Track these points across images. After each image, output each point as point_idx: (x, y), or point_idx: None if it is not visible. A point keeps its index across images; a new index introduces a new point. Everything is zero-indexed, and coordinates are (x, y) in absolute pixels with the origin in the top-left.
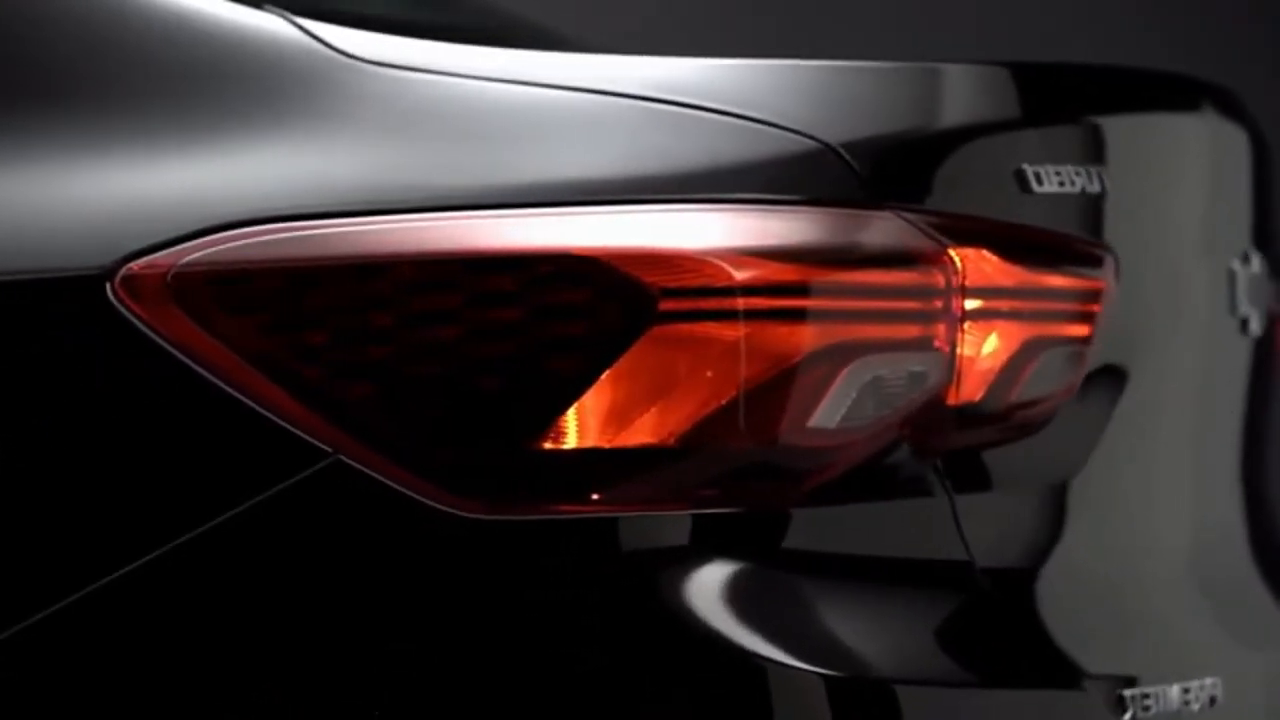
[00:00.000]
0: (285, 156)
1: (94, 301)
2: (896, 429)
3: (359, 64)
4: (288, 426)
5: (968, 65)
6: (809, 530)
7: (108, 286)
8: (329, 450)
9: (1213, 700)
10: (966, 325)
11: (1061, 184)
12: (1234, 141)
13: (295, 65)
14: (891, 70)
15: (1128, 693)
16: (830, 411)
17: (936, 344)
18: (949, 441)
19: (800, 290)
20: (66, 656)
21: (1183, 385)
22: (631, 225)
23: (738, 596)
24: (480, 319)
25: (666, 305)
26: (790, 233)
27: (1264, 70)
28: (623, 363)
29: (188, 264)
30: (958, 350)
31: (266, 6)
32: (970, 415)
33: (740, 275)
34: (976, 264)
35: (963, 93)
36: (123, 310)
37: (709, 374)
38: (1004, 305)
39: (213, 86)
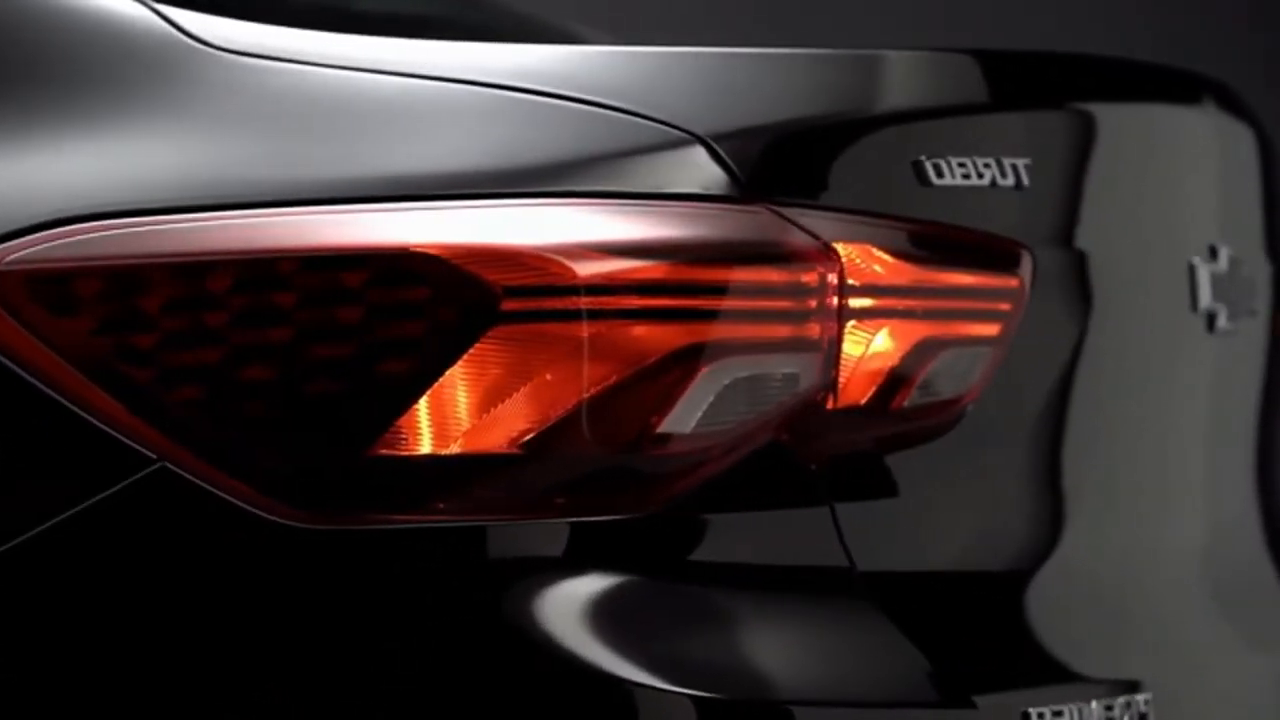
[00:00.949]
0: (129, 149)
1: None
2: (768, 433)
3: (215, 52)
4: (111, 432)
5: (859, 53)
6: (675, 539)
7: None
8: (153, 457)
9: (1142, 717)
10: (851, 325)
11: (967, 176)
12: (1191, 131)
13: (146, 52)
14: (771, 59)
15: (1034, 710)
16: (684, 415)
17: (812, 344)
18: (831, 446)
19: (650, 289)
20: None
21: (1120, 383)
22: (476, 221)
23: (598, 613)
24: (314, 319)
25: (510, 305)
26: (644, 229)
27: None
28: (463, 365)
29: (11, 263)
30: (839, 351)
31: None
32: (856, 418)
33: (585, 273)
34: (864, 261)
35: (852, 82)
36: None
37: (554, 377)
38: (895, 304)
39: (55, 74)
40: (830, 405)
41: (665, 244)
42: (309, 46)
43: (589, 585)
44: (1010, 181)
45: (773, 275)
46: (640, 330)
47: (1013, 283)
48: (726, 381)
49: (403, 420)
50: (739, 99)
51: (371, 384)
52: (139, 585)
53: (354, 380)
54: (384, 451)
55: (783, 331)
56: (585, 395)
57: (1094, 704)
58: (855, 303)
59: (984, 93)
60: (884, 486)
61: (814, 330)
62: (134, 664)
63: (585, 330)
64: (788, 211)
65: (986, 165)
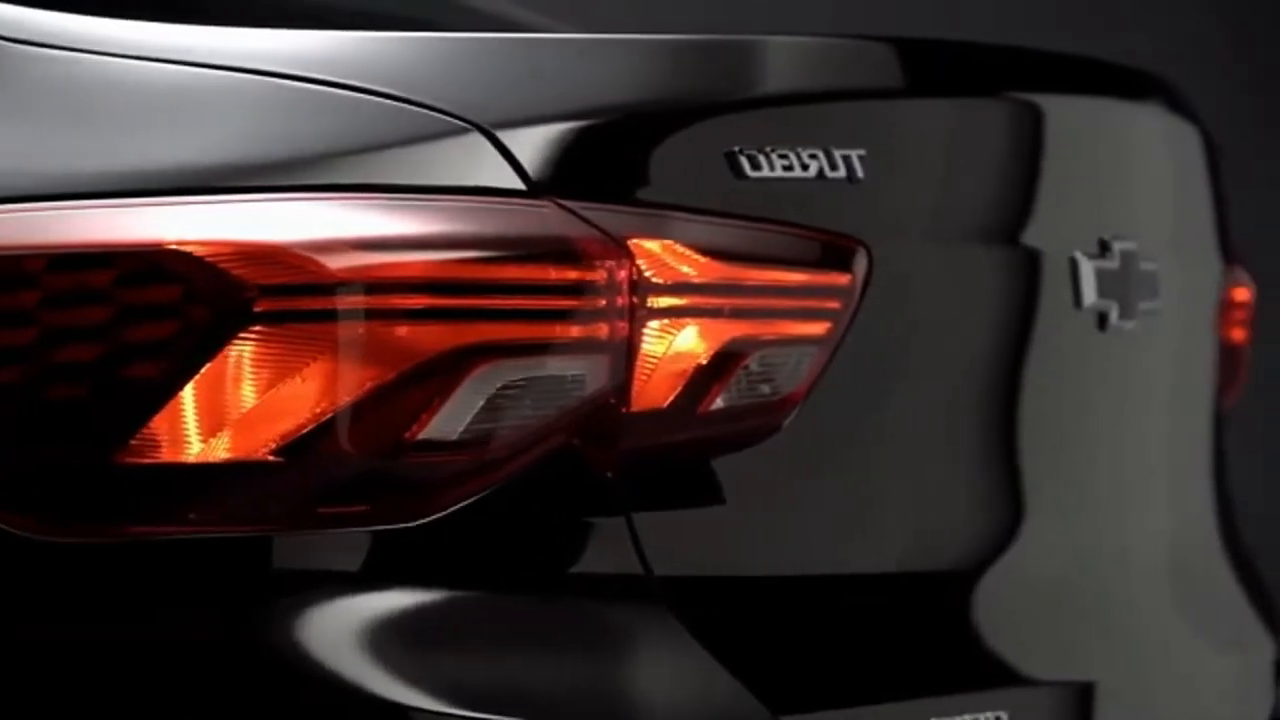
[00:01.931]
0: None
1: None
2: (559, 438)
3: None
4: None
5: (664, 39)
6: (457, 550)
7: None
8: None
9: None
10: (650, 324)
11: (789, 168)
12: (1072, 122)
13: None
14: (564, 45)
15: None
16: (451, 420)
17: (600, 345)
18: (631, 451)
19: (416, 287)
20: None
21: (983, 381)
22: (232, 216)
23: (368, 633)
24: (58, 320)
25: (265, 305)
26: (412, 224)
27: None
28: (216, 367)
29: None
30: (634, 351)
31: None
32: (658, 422)
33: (346, 271)
34: (667, 258)
35: (657, 71)
36: None
37: (311, 380)
38: (703, 302)
39: None
40: (626, 409)
41: (434, 240)
42: (85, 31)
43: (358, 603)
44: (842, 173)
45: (555, 273)
46: (404, 331)
47: (842, 280)
48: (499, 384)
49: (150, 426)
50: (527, 88)
51: (117, 388)
52: None
53: (99, 384)
54: (130, 459)
55: (567, 332)
56: (343, 400)
57: None
58: (655, 301)
59: (812, 81)
60: (695, 491)
61: (602, 330)
62: None
63: (345, 331)
64: (577, 206)
65: (813, 156)
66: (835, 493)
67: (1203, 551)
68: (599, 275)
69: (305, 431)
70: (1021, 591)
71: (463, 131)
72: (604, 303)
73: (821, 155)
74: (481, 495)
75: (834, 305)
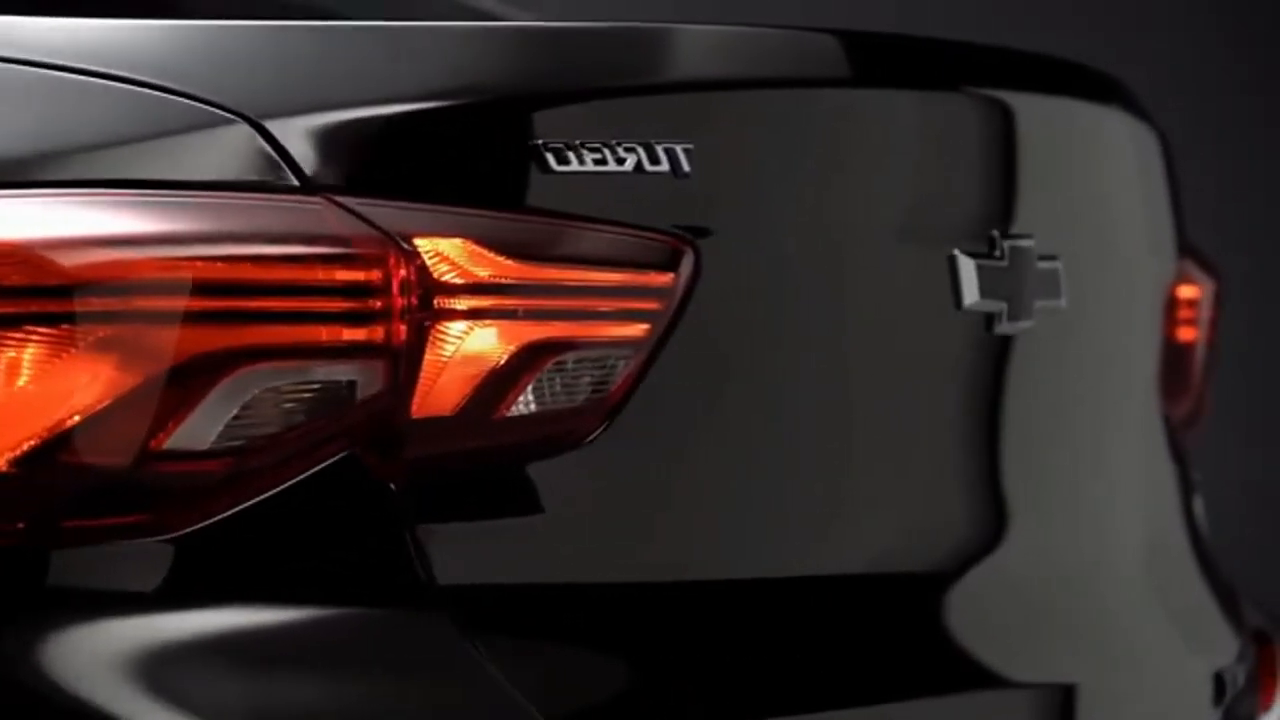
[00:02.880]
0: None
1: None
2: (335, 446)
3: None
4: None
5: (456, 27)
6: (221, 564)
7: None
8: None
9: None
10: (436, 326)
11: (601, 162)
12: (944, 114)
13: None
14: (344, 33)
15: None
16: (201, 428)
17: (376, 349)
18: (415, 459)
19: (162, 288)
20: None
21: (831, 387)
22: None
23: (122, 655)
24: None
25: None
26: (160, 221)
27: None
28: None
29: None
30: (416, 355)
31: None
32: (446, 428)
33: (82, 271)
34: (456, 257)
35: (447, 61)
36: None
37: (46, 387)
38: (497, 303)
39: None
40: (408, 415)
41: (188, 237)
42: None
43: (113, 623)
44: (665, 167)
45: (324, 273)
46: (150, 334)
47: (662, 280)
48: (258, 390)
49: None
50: (302, 78)
51: None
52: None
53: None
54: None
55: (337, 335)
56: (80, 407)
57: None
58: (443, 303)
59: (632, 73)
60: (491, 499)
61: (378, 333)
62: None
63: (85, 335)
64: (353, 203)
65: (629, 150)
66: (657, 501)
67: (1129, 554)
68: (374, 275)
69: (41, 441)
70: (871, 606)
71: (228, 123)
72: (380, 304)
73: (640, 149)
74: (249, 506)
75: (653, 306)
